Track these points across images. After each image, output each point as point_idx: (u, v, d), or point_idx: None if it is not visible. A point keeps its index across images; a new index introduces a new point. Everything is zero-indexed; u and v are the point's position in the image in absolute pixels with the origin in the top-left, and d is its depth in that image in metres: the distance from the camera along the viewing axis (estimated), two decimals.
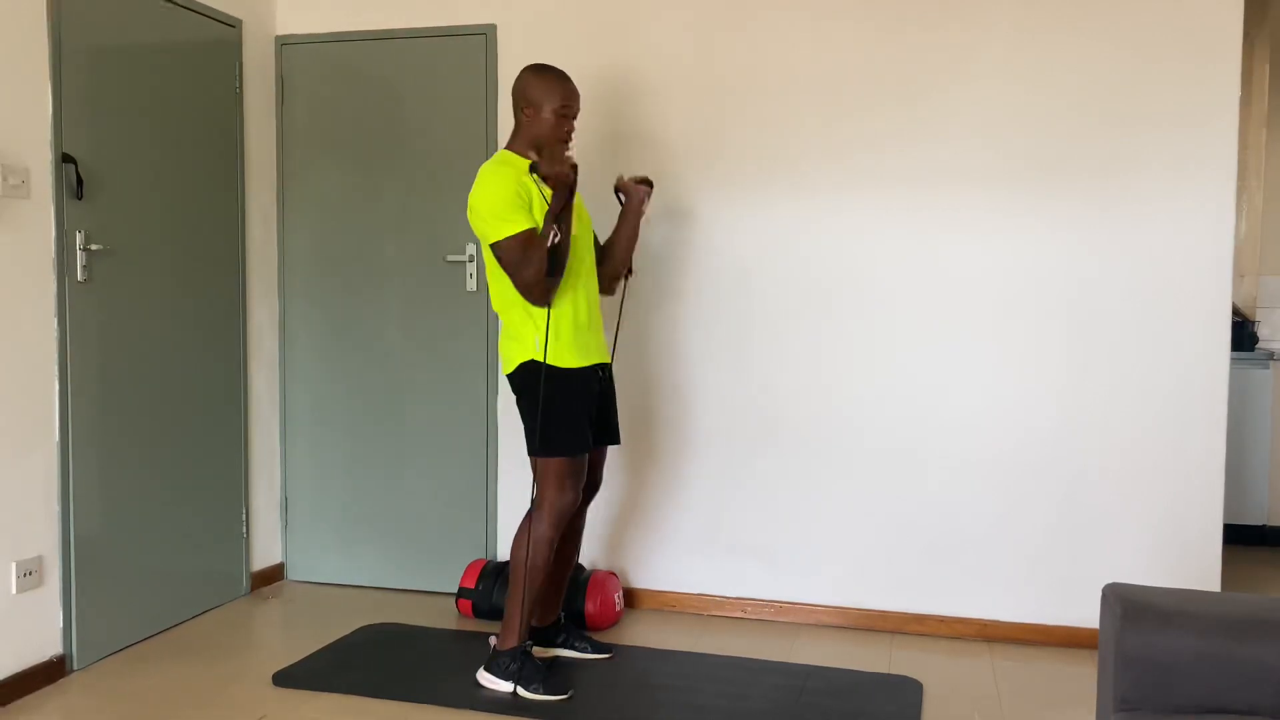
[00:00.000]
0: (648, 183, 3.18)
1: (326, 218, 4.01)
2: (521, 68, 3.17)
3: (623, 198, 3.18)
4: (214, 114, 3.71)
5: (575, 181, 2.83)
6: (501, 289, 2.95)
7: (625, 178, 3.18)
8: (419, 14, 3.88)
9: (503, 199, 2.81)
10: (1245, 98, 4.98)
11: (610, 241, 3.20)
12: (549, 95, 2.94)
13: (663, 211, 3.68)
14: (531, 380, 2.93)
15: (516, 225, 2.79)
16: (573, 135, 3.00)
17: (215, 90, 3.72)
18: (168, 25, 3.48)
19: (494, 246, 2.82)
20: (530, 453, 2.97)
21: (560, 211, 2.82)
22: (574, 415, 2.96)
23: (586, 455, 3.02)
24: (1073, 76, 3.35)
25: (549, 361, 2.91)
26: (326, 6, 3.97)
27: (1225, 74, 3.24)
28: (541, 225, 2.82)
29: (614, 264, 3.19)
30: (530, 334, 2.92)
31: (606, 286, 3.21)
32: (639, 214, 3.17)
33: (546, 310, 2.89)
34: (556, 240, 2.81)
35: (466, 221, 3.84)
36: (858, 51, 3.51)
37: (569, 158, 2.84)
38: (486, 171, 2.89)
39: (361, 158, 3.96)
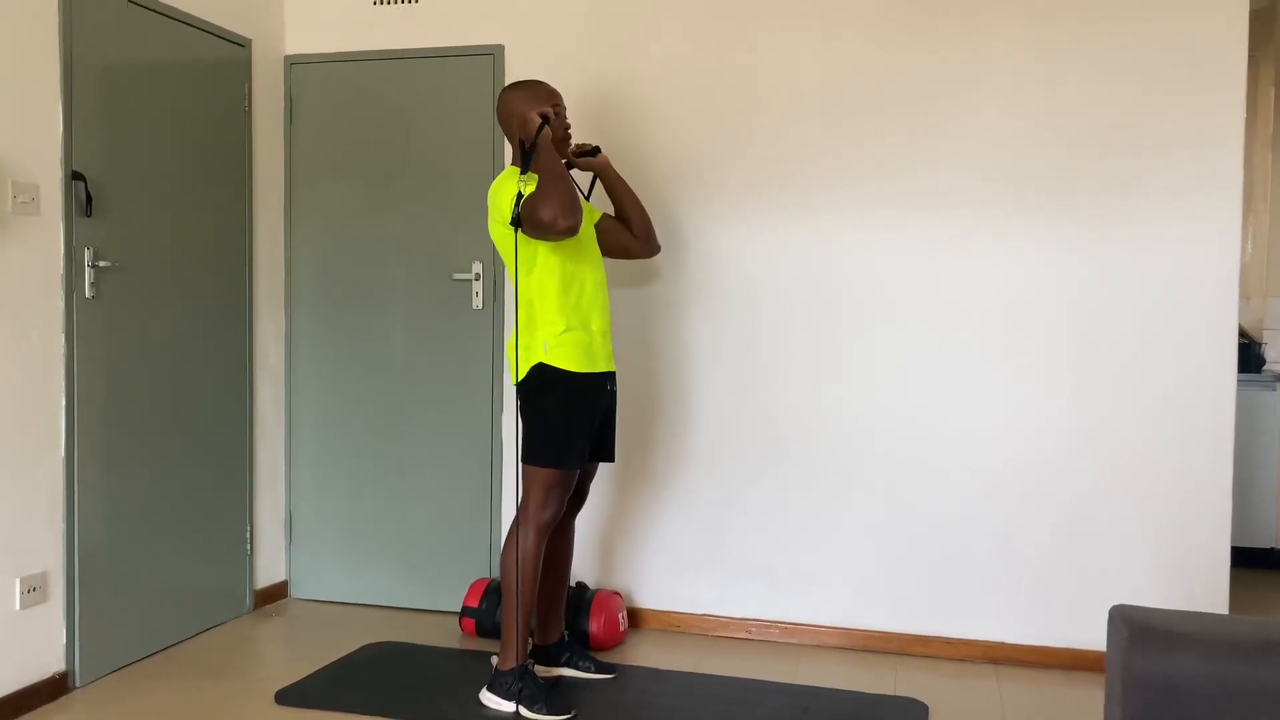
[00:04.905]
0: (595, 149, 3.21)
1: (334, 235, 4.03)
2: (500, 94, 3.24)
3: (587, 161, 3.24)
4: (223, 132, 3.74)
5: (541, 125, 2.92)
6: (523, 290, 2.98)
7: (576, 157, 3.21)
8: (427, 35, 3.91)
9: (512, 188, 2.91)
10: (1250, 120, 4.99)
11: (619, 206, 3.25)
12: (535, 101, 2.99)
13: (668, 227, 3.69)
14: (540, 385, 2.94)
15: (526, 190, 2.89)
16: (570, 131, 3.07)
17: (224, 109, 3.74)
18: (178, 44, 3.51)
19: (515, 221, 2.86)
20: (526, 461, 2.98)
21: (532, 151, 2.89)
22: (573, 427, 2.96)
23: (578, 470, 3.02)
24: (1077, 97, 3.36)
25: (555, 364, 2.92)
26: (335, 27, 4.00)
27: (1230, 96, 3.25)
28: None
29: (637, 220, 3.24)
30: (541, 339, 2.93)
31: (649, 243, 3.28)
32: (610, 169, 3.23)
33: (558, 318, 2.93)
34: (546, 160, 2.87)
35: (472, 240, 3.87)
36: (863, 70, 3.53)
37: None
38: (498, 180, 2.98)
39: (369, 176, 3.98)
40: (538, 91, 3.01)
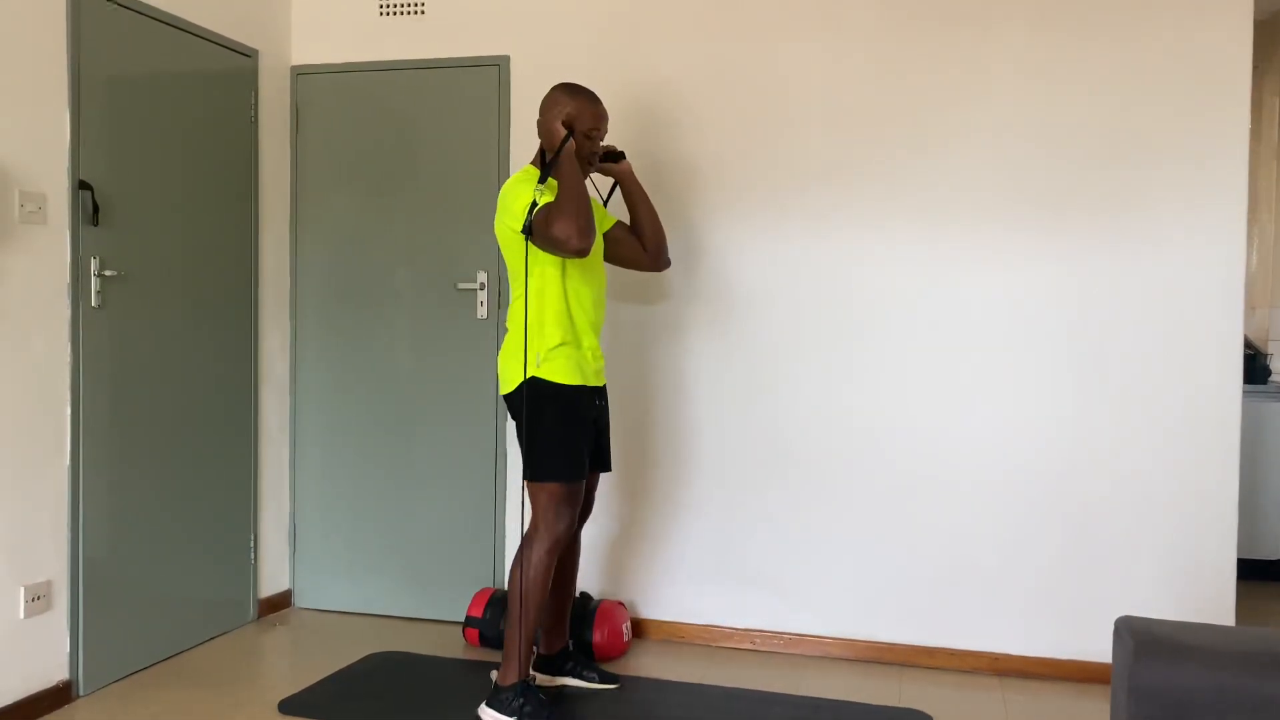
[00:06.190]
0: (619, 154, 3.18)
1: (339, 245, 4.04)
2: (551, 86, 3.23)
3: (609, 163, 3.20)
4: (230, 142, 3.75)
5: (567, 137, 2.88)
6: (516, 303, 2.97)
7: (600, 160, 3.16)
8: (433, 45, 3.92)
9: (527, 194, 2.87)
10: (1255, 130, 4.99)
11: (634, 217, 3.21)
12: (579, 116, 2.96)
13: (672, 240, 3.70)
14: (533, 400, 2.92)
15: (541, 200, 2.86)
16: (597, 156, 3.05)
17: (231, 119, 3.76)
18: (185, 55, 3.53)
19: (526, 229, 2.84)
20: (530, 478, 2.96)
21: (554, 162, 2.87)
22: (570, 439, 2.94)
23: (583, 481, 3.00)
24: (1081, 110, 3.37)
25: (546, 377, 2.90)
26: (342, 37, 4.02)
27: (1235, 106, 3.25)
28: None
29: (650, 233, 3.21)
30: (533, 351, 2.92)
31: (658, 259, 3.24)
32: (632, 177, 3.19)
33: (561, 318, 2.92)
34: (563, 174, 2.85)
35: (476, 249, 3.87)
36: (870, 84, 3.53)
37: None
38: (513, 180, 2.94)
39: (374, 186, 4.00)
40: (583, 106, 2.95)
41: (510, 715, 2.92)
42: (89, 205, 3.14)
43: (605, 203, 3.33)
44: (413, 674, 3.37)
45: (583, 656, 3.35)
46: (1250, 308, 5.13)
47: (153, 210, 3.40)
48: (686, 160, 3.71)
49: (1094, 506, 3.39)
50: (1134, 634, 1.88)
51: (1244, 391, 3.56)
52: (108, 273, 3.20)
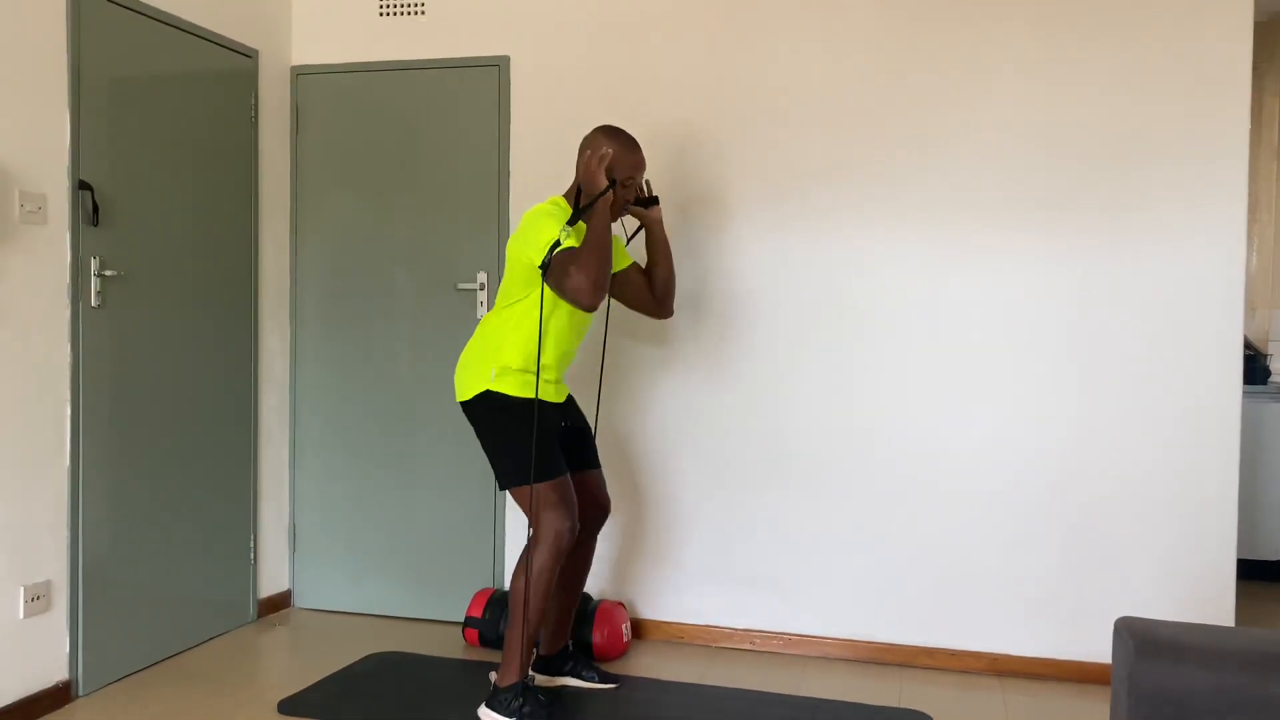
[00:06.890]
0: (653, 200, 3.17)
1: (339, 245, 4.04)
2: (594, 127, 3.29)
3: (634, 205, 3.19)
4: (230, 142, 3.75)
5: (607, 189, 2.89)
6: (495, 316, 2.97)
7: (633, 204, 3.16)
8: (433, 46, 3.93)
9: (553, 230, 2.86)
10: (1255, 130, 4.99)
11: (651, 263, 3.20)
12: (619, 163, 2.97)
13: (673, 239, 3.70)
14: (488, 411, 2.93)
15: (566, 243, 2.85)
16: (630, 203, 3.05)
17: (231, 119, 3.76)
18: (185, 55, 3.53)
19: (545, 265, 2.83)
20: (503, 486, 2.95)
21: (587, 208, 2.87)
22: (539, 438, 2.92)
23: (565, 475, 2.98)
24: (1082, 111, 3.37)
25: (500, 390, 2.91)
26: (342, 38, 4.02)
27: (1235, 106, 3.25)
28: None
29: (661, 280, 3.18)
30: (489, 366, 2.92)
31: (664, 306, 3.22)
32: (659, 225, 3.17)
33: (536, 351, 2.93)
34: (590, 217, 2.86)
35: (476, 250, 3.87)
36: (870, 85, 3.53)
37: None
38: (542, 210, 2.91)
39: (374, 186, 4.00)
40: (623, 153, 2.96)
41: (510, 716, 2.92)
42: (89, 205, 3.14)
43: (628, 242, 3.32)
44: (412, 674, 3.37)
45: (583, 656, 3.34)
46: (1250, 308, 5.13)
47: (153, 210, 3.40)
48: (686, 160, 3.71)
49: (1094, 507, 3.39)
50: (1134, 634, 1.88)
51: (1244, 392, 3.56)
52: (108, 273, 3.20)
